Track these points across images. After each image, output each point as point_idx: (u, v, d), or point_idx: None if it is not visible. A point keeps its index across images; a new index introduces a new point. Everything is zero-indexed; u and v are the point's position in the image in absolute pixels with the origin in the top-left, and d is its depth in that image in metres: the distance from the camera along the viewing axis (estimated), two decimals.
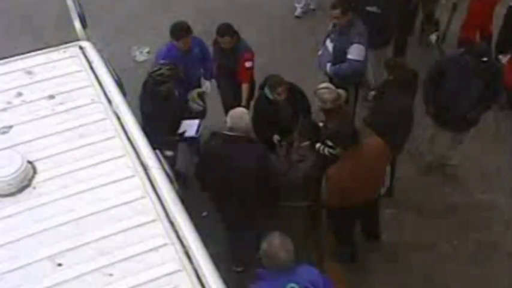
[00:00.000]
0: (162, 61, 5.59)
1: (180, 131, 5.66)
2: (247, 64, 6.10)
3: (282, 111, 5.72)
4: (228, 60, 6.12)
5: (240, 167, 4.72)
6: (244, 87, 6.18)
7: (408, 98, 5.77)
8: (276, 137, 5.79)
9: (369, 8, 6.32)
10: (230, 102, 6.10)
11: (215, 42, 6.13)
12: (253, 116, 5.66)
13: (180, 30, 5.81)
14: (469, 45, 6.00)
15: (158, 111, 5.36)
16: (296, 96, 5.78)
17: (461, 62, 5.69)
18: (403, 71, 5.69)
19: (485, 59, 5.60)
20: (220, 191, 4.95)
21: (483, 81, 5.63)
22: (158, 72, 5.38)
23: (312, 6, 8.69)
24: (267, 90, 5.64)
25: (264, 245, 3.83)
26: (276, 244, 3.83)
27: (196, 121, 5.79)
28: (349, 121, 5.65)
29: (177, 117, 5.72)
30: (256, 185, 4.80)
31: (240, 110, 5.00)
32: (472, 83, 5.66)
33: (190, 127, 5.76)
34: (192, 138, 5.83)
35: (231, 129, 4.82)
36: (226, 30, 5.94)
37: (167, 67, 5.43)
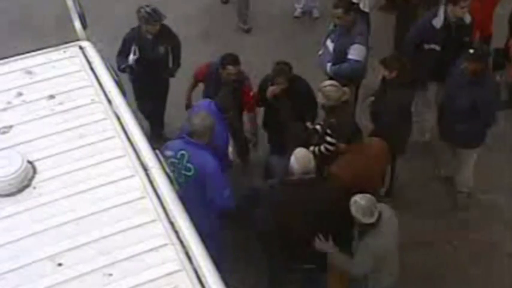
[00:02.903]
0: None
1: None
2: (252, 93, 5.99)
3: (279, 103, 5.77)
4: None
5: (320, 209, 4.57)
6: (252, 116, 6.11)
7: (409, 95, 5.77)
8: (271, 88, 5.80)
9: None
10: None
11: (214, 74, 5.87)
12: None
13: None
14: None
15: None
16: (298, 90, 5.78)
17: (458, 67, 5.57)
18: (405, 68, 5.69)
19: (471, 50, 5.40)
20: (290, 235, 4.67)
21: (471, 95, 5.42)
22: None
23: (315, 15, 8.51)
24: (270, 75, 5.78)
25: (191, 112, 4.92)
26: (200, 114, 4.91)
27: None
28: (351, 118, 5.67)
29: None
30: (333, 225, 4.70)
31: (304, 151, 4.75)
32: (460, 94, 5.51)
33: None
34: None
35: (303, 173, 4.62)
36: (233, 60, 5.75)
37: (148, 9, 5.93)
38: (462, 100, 5.49)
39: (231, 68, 5.70)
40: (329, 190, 4.67)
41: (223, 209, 4.87)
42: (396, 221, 4.65)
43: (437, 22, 5.99)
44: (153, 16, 6.03)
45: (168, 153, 4.79)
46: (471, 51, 5.44)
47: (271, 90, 5.76)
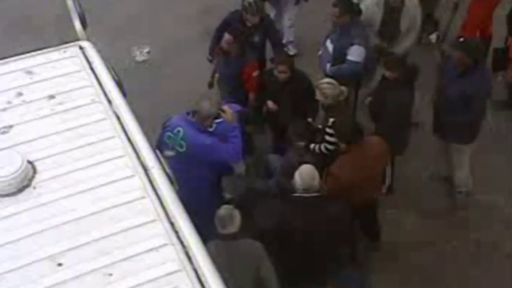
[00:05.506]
0: None
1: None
2: (255, 74, 6.05)
3: (280, 92, 5.88)
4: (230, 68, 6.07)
5: (318, 230, 4.49)
6: (253, 96, 6.17)
7: (408, 95, 5.77)
8: (270, 103, 6.01)
9: None
10: None
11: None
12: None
13: None
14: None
15: None
16: (299, 85, 5.85)
17: (451, 59, 5.61)
18: (406, 67, 5.69)
19: (461, 39, 5.46)
20: (293, 253, 4.60)
21: (460, 87, 5.39)
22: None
23: (291, 52, 7.75)
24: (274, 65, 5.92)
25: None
26: (210, 99, 4.94)
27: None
28: (350, 118, 5.66)
29: None
30: (335, 244, 4.65)
31: (309, 168, 4.62)
32: (450, 86, 5.50)
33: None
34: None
35: (305, 190, 4.54)
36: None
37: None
38: (451, 91, 5.46)
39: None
40: (329, 212, 4.54)
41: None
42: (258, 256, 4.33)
43: None
44: (252, 7, 6.26)
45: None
46: (461, 39, 5.44)
47: (270, 106, 5.98)
